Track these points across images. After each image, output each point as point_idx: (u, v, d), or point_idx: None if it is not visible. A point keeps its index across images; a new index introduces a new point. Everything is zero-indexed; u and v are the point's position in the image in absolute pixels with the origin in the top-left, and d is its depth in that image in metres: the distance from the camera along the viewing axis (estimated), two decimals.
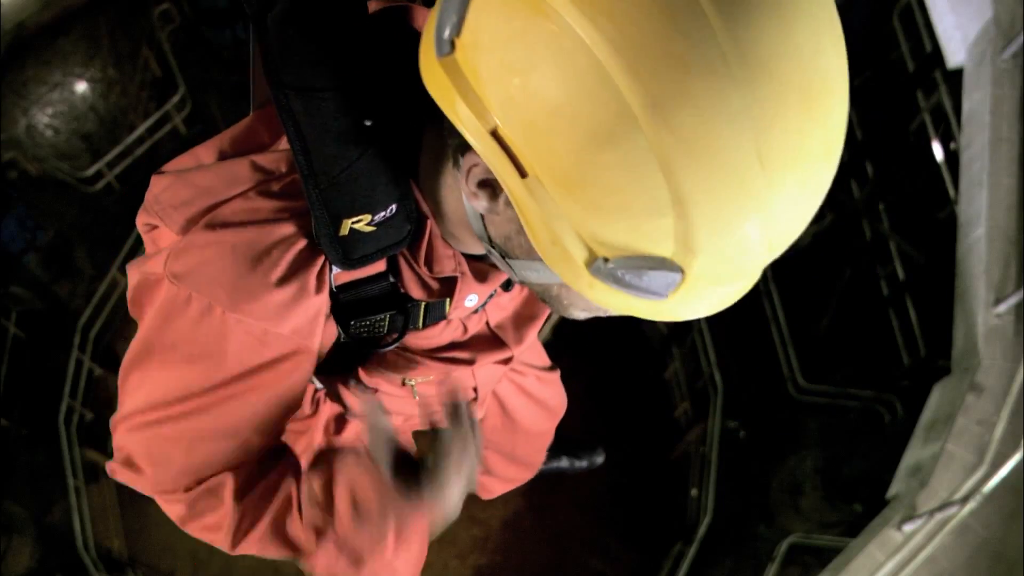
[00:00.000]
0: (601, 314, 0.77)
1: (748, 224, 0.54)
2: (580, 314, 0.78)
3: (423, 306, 0.89)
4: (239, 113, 0.89)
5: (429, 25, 0.63)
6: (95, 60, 6.97)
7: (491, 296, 0.97)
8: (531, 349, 1.65)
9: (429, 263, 0.83)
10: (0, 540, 5.24)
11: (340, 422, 1.39)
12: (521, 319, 1.08)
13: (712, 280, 0.58)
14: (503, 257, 0.73)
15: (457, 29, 0.58)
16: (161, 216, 0.78)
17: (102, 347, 5.97)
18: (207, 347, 0.77)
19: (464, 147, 0.65)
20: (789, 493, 5.12)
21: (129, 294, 0.86)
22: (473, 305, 0.93)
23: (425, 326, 0.93)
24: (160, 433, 0.82)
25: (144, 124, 6.30)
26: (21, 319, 5.86)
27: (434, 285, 0.87)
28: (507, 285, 0.96)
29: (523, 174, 0.56)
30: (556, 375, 1.77)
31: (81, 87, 6.91)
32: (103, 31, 7.00)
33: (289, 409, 0.89)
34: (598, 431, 6.49)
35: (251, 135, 0.83)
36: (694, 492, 5.52)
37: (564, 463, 2.48)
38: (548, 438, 1.97)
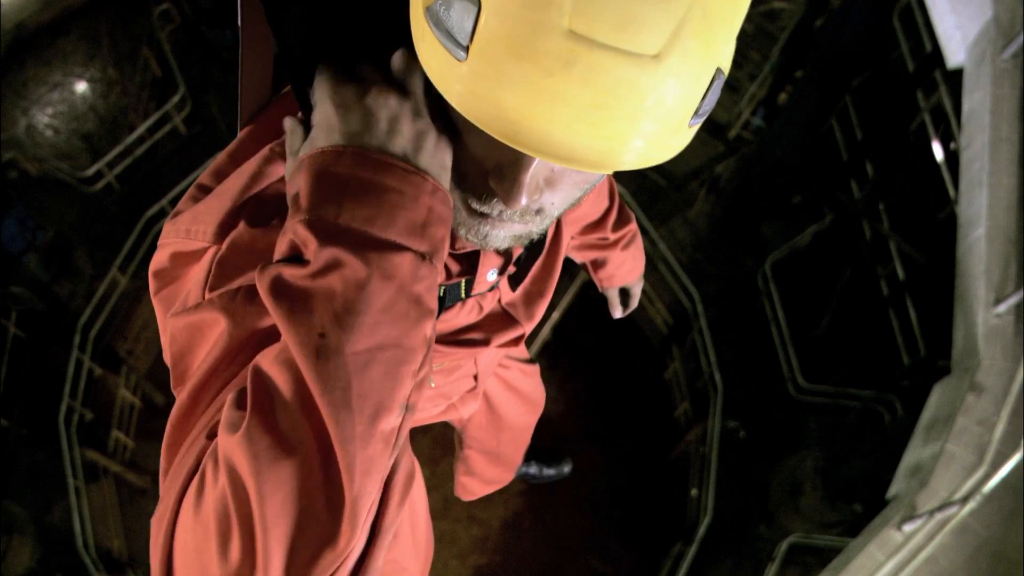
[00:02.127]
0: (473, 219, 0.73)
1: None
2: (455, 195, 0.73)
3: (442, 290, 0.89)
4: (238, 113, 0.89)
5: None
6: (95, 60, 6.97)
7: (505, 273, 0.97)
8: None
9: (452, 240, 0.82)
10: (0, 540, 5.24)
11: None
12: (530, 296, 1.09)
13: (506, 39, 0.53)
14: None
15: None
16: (188, 235, 0.72)
17: (102, 347, 5.97)
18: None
19: None
20: (789, 493, 5.12)
21: (172, 349, 0.72)
22: (494, 279, 0.94)
23: (443, 310, 0.93)
24: None
25: (144, 124, 6.31)
26: (21, 319, 5.86)
27: (454, 266, 0.88)
28: (517, 260, 0.98)
29: None
30: (536, 368, 1.79)
31: (81, 87, 6.91)
32: (103, 31, 7.00)
33: None
34: (598, 431, 6.50)
35: (250, 147, 0.82)
36: (694, 492, 5.52)
37: (533, 469, 2.49)
38: (528, 434, 1.98)
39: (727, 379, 5.38)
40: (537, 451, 2.50)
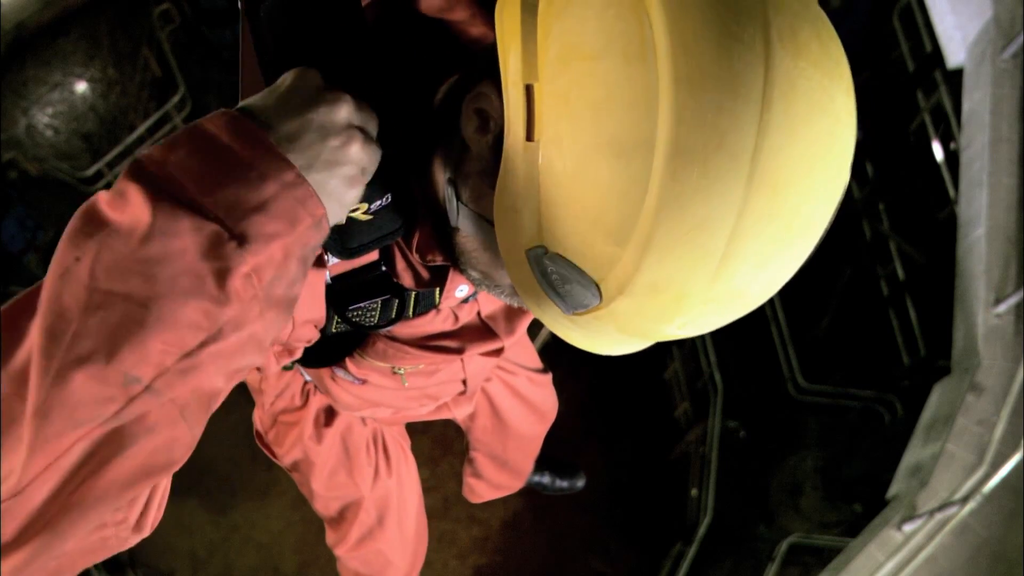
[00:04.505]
0: (493, 291, 0.77)
1: (678, 297, 0.56)
2: (474, 274, 0.76)
3: (413, 295, 0.89)
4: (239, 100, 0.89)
5: None
6: (95, 60, 6.97)
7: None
8: (523, 350, 1.65)
9: (422, 251, 0.83)
10: None
11: (329, 414, 1.40)
12: (513, 311, 1.07)
13: (616, 325, 0.59)
14: (454, 196, 0.72)
15: None
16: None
17: None
18: None
19: (481, 75, 0.67)
20: (789, 493, 5.12)
21: None
22: (463, 295, 0.94)
23: (415, 315, 0.93)
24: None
25: (144, 124, 6.31)
26: None
27: (424, 274, 0.87)
28: None
29: (530, 137, 0.57)
30: (548, 378, 1.76)
31: (81, 87, 6.91)
32: (103, 31, 7.00)
33: None
34: (598, 431, 6.50)
35: None
36: (694, 492, 5.52)
37: (546, 479, 2.47)
38: (538, 444, 1.97)
39: (727, 379, 5.37)
40: (551, 461, 2.48)
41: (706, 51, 0.51)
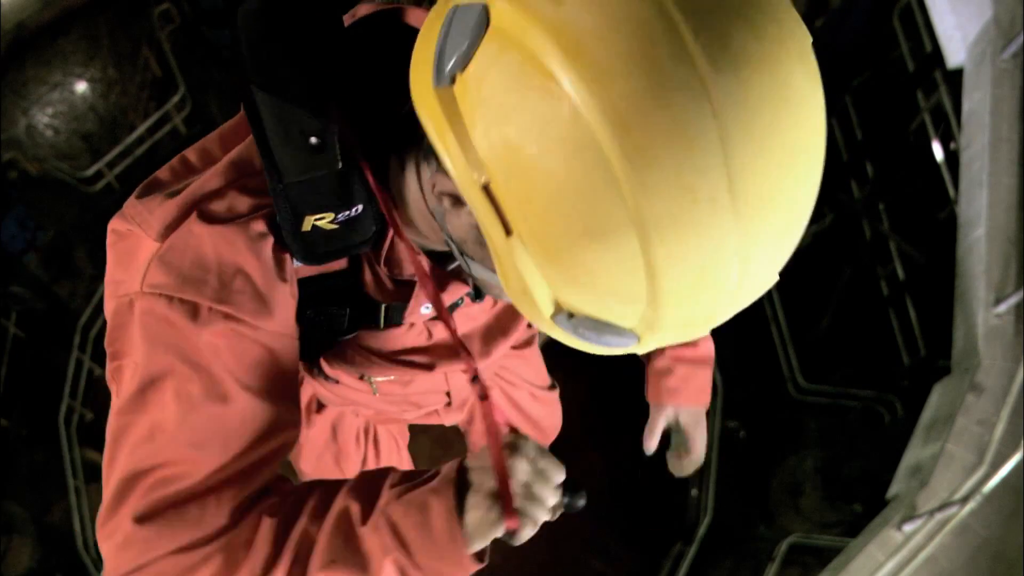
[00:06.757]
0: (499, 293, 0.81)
1: (709, 318, 0.60)
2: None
3: (383, 308, 0.89)
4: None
5: (427, 42, 0.59)
6: (95, 60, 6.97)
7: (457, 305, 0.96)
8: (530, 367, 1.61)
9: (389, 264, 0.83)
10: (0, 540, 5.24)
11: (321, 402, 1.39)
12: (491, 332, 1.07)
13: (662, 341, 0.62)
14: (460, 253, 0.73)
15: (462, 64, 0.55)
16: (138, 221, 0.75)
17: (102, 347, 5.95)
18: (201, 357, 0.72)
19: (431, 157, 0.66)
20: (789, 493, 5.12)
21: (108, 329, 0.78)
22: (429, 313, 0.93)
23: (385, 327, 0.92)
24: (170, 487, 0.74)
25: (144, 124, 6.30)
26: (21, 319, 5.86)
27: (390, 287, 0.87)
28: (477, 294, 0.95)
29: (508, 232, 0.57)
30: (554, 395, 1.72)
31: (81, 87, 6.91)
32: (103, 31, 7.00)
33: (291, 395, 0.84)
34: (598, 431, 6.50)
35: (241, 132, 0.82)
36: (694, 492, 5.52)
37: None
38: None
39: (727, 379, 5.37)
40: None
41: (643, 113, 0.48)
